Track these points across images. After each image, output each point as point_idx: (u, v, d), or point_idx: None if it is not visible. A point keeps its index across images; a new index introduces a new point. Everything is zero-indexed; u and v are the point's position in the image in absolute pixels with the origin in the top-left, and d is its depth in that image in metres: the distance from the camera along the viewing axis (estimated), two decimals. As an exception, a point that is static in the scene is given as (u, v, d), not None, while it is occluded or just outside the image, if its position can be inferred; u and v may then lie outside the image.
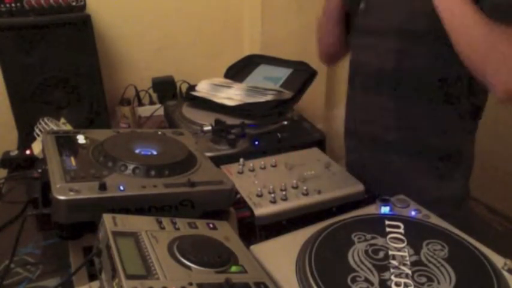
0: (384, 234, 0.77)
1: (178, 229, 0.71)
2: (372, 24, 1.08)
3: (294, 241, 0.77)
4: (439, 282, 0.66)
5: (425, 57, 1.00)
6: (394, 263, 0.70)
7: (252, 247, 0.76)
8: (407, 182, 1.05)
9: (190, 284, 0.58)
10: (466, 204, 1.13)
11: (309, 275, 0.68)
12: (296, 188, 0.99)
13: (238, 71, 1.67)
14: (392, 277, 0.67)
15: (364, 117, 1.17)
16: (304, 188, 0.97)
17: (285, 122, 1.33)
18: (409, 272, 0.68)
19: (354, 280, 0.66)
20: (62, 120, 1.34)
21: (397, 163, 1.10)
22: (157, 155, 0.88)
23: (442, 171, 1.08)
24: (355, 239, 0.76)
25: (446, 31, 0.89)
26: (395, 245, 0.74)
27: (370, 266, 0.69)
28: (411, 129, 1.07)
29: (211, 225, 0.76)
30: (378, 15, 1.07)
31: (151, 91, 1.74)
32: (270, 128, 1.31)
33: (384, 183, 0.99)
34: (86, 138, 0.90)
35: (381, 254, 0.72)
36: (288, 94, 1.43)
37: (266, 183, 0.99)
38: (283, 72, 1.60)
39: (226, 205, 0.84)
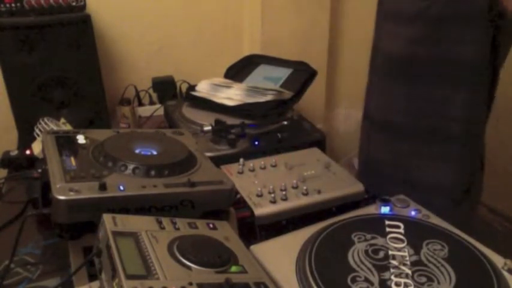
0: (384, 234, 0.77)
1: (178, 229, 0.71)
2: (391, 9, 1.08)
3: (294, 241, 0.77)
4: (439, 282, 0.66)
5: (442, 43, 0.99)
6: (394, 263, 0.70)
7: (252, 247, 0.76)
8: (412, 165, 1.05)
9: (190, 284, 0.58)
10: (468, 202, 1.12)
11: (309, 275, 0.68)
12: (296, 188, 0.99)
13: (238, 71, 1.67)
14: (392, 277, 0.67)
15: (379, 102, 1.17)
16: (304, 188, 0.97)
17: (285, 122, 1.33)
18: (409, 272, 0.68)
19: (354, 280, 0.66)
20: (62, 120, 1.34)
21: (404, 147, 1.11)
22: (157, 155, 0.88)
23: (449, 156, 1.08)
24: (355, 239, 0.76)
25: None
26: (395, 245, 0.74)
27: (370, 266, 0.69)
28: (423, 114, 1.07)
29: (211, 225, 0.76)
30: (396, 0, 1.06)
31: (151, 91, 1.74)
32: (270, 128, 1.31)
33: (388, 166, 0.99)
34: (86, 138, 0.90)
35: (381, 254, 0.72)
36: (288, 94, 1.43)
37: (266, 183, 0.99)
38: (283, 72, 1.60)
39: (226, 205, 0.84)
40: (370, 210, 0.87)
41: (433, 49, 1.00)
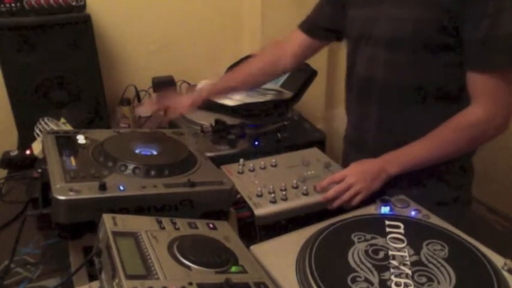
0: (384, 234, 0.77)
1: (178, 229, 0.71)
2: (359, 31, 1.07)
3: (294, 241, 0.77)
4: (439, 282, 0.66)
5: (408, 65, 0.97)
6: (394, 263, 0.70)
7: (252, 247, 0.76)
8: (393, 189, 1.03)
9: (190, 284, 0.58)
10: (458, 203, 1.10)
11: (309, 275, 0.68)
12: (296, 188, 0.99)
13: (238, 71, 1.67)
14: (393, 277, 0.67)
15: (356, 123, 1.16)
16: (304, 188, 0.97)
17: (285, 122, 1.33)
18: (409, 272, 0.68)
19: (354, 280, 0.66)
20: (62, 120, 1.34)
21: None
22: (157, 155, 0.88)
23: (429, 179, 1.05)
24: (355, 239, 0.76)
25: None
26: (395, 245, 0.74)
27: (370, 266, 0.69)
28: (395, 135, 1.05)
29: (211, 225, 0.76)
30: (364, 22, 1.05)
31: (151, 91, 1.74)
32: (270, 128, 1.31)
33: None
34: (86, 138, 0.90)
35: (381, 254, 0.72)
36: (288, 94, 1.43)
37: (266, 183, 0.99)
38: (283, 72, 1.60)
39: (226, 205, 0.84)
40: (370, 210, 0.87)
41: (398, 72, 1.00)
